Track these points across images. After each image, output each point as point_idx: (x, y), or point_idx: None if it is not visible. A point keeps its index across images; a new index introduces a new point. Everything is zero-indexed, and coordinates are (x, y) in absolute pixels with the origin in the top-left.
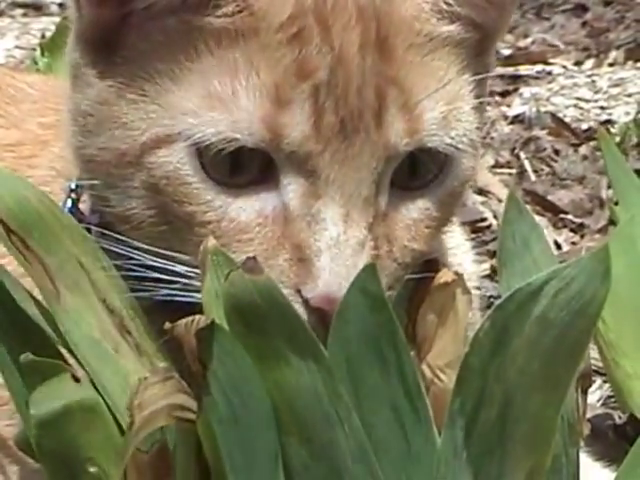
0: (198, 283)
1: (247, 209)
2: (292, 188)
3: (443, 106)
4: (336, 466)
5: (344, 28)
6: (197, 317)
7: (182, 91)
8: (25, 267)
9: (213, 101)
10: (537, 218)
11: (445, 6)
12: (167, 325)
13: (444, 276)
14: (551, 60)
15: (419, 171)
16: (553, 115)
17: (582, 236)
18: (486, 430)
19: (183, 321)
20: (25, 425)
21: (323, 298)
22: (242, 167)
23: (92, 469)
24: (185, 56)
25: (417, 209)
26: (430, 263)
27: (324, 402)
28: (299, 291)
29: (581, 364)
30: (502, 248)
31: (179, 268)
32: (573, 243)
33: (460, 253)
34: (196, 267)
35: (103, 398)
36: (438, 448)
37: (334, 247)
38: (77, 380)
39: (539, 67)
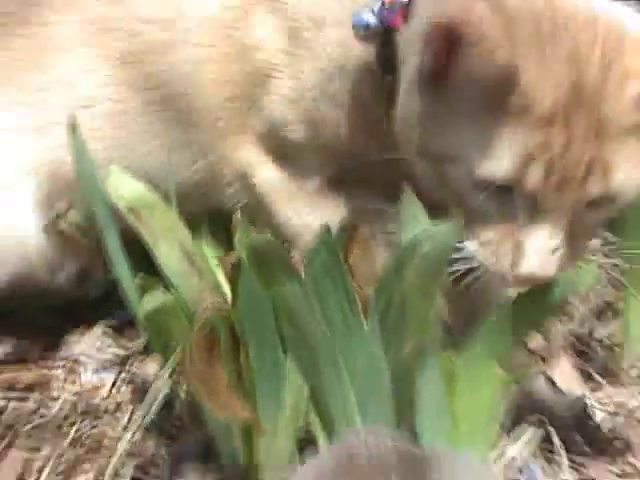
0: None
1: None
2: (522, 210)
3: (627, 172)
4: (310, 339)
5: (577, 114)
6: (233, 254)
7: (466, 136)
8: (145, 229)
9: (489, 150)
10: None
11: None
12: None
13: (363, 233)
14: None
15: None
16: None
17: None
18: (392, 319)
19: (226, 257)
20: (137, 315)
21: (522, 274)
22: (495, 191)
23: (173, 343)
24: (477, 117)
25: (592, 220)
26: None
27: (303, 306)
28: (514, 264)
29: (440, 281)
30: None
31: None
32: None
33: None
34: None
35: (179, 300)
36: (365, 330)
37: (538, 250)
38: (166, 290)
39: None
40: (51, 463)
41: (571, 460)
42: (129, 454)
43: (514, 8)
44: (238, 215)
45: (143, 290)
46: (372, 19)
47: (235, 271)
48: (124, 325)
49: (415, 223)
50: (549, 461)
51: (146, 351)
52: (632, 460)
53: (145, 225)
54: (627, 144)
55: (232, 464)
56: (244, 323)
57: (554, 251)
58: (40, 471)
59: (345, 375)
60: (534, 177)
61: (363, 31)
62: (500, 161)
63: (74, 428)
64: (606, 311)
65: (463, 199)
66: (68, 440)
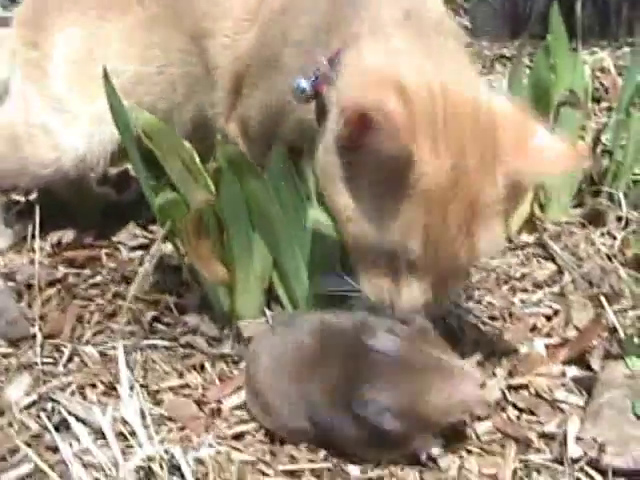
0: None
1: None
2: (404, 266)
3: (489, 246)
4: (271, 221)
5: (457, 198)
6: (215, 163)
7: (365, 201)
8: (156, 148)
9: (380, 219)
10: None
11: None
12: (207, 165)
13: None
14: None
15: None
16: None
17: None
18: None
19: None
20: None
21: (398, 315)
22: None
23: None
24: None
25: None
26: None
27: (266, 198)
28: (391, 306)
29: None
30: None
31: None
32: None
33: None
34: None
35: (181, 197)
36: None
37: (409, 300)
38: (173, 190)
39: None
40: (97, 312)
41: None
42: (149, 304)
43: (418, 102)
44: (219, 137)
45: (156, 192)
46: (306, 85)
47: (217, 175)
48: (149, 220)
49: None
50: None
51: (165, 238)
52: (490, 299)
53: (156, 145)
54: (494, 223)
55: (220, 312)
56: (224, 211)
57: (422, 295)
58: (90, 317)
59: (296, 248)
60: (413, 249)
61: (300, 94)
62: (388, 231)
63: (113, 289)
64: None
65: (361, 254)
66: (109, 296)
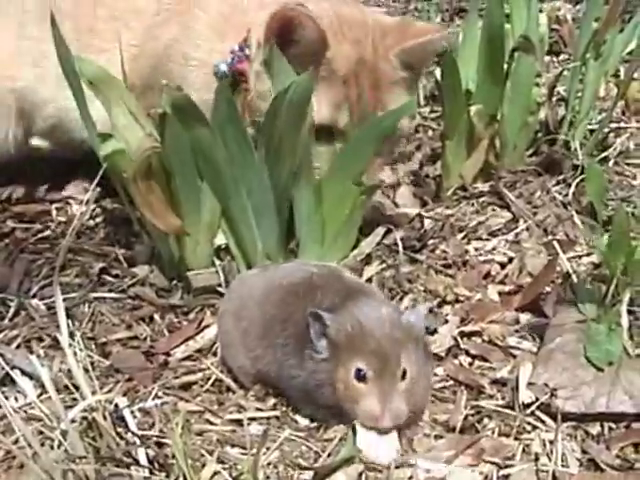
0: None
1: None
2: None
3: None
4: (218, 169)
5: (362, 76)
6: (159, 108)
7: None
8: (102, 97)
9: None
10: None
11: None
12: (152, 112)
13: None
14: None
15: None
16: None
17: None
18: (272, 151)
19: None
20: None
21: None
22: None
23: (125, 175)
24: None
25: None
26: None
27: (212, 145)
28: None
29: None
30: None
31: None
32: None
33: None
34: None
35: (127, 145)
36: (255, 160)
37: None
38: (120, 141)
39: None
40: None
41: (405, 253)
42: (98, 256)
43: (318, 12)
44: (164, 82)
45: (103, 140)
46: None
47: (162, 121)
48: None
49: (283, 76)
50: (390, 252)
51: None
52: (444, 248)
53: (102, 94)
54: (395, 92)
55: (169, 263)
56: (171, 159)
57: None
58: (39, 271)
59: (244, 194)
60: (343, 119)
61: (221, 77)
62: (320, 109)
63: (63, 242)
64: (432, 155)
65: None
66: (57, 250)
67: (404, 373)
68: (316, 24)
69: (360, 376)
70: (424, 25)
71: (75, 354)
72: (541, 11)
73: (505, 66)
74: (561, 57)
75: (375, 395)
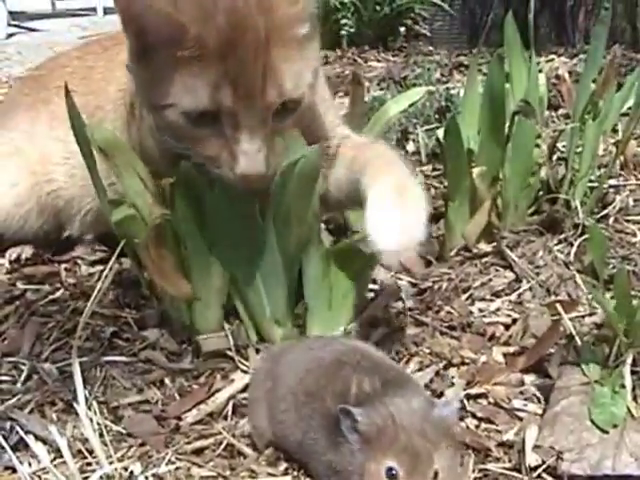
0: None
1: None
2: (227, 127)
3: (294, 79)
4: (226, 239)
5: (243, 42)
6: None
7: (172, 84)
8: (112, 163)
9: (187, 89)
10: None
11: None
12: (163, 181)
13: None
14: None
15: (286, 107)
16: None
17: None
18: (283, 217)
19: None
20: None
21: (240, 175)
22: (204, 119)
23: (136, 241)
24: (174, 68)
25: (285, 124)
26: None
27: (221, 216)
28: (232, 169)
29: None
30: None
31: None
32: None
33: None
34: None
35: (138, 212)
36: (263, 229)
37: (244, 152)
38: (130, 207)
39: None
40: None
41: (411, 315)
42: (108, 320)
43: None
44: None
45: (114, 207)
46: None
47: (171, 190)
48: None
49: (293, 150)
50: (396, 315)
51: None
52: (449, 309)
53: (112, 160)
54: (290, 55)
55: (179, 327)
56: (180, 226)
57: (258, 152)
58: (50, 334)
59: (252, 261)
60: (226, 98)
61: None
62: (196, 94)
63: (73, 305)
64: (435, 215)
65: (184, 135)
66: (68, 312)
67: (436, 474)
68: (157, 9)
69: (391, 475)
70: None
71: (91, 420)
72: (540, 71)
73: (506, 128)
74: (560, 112)
75: None
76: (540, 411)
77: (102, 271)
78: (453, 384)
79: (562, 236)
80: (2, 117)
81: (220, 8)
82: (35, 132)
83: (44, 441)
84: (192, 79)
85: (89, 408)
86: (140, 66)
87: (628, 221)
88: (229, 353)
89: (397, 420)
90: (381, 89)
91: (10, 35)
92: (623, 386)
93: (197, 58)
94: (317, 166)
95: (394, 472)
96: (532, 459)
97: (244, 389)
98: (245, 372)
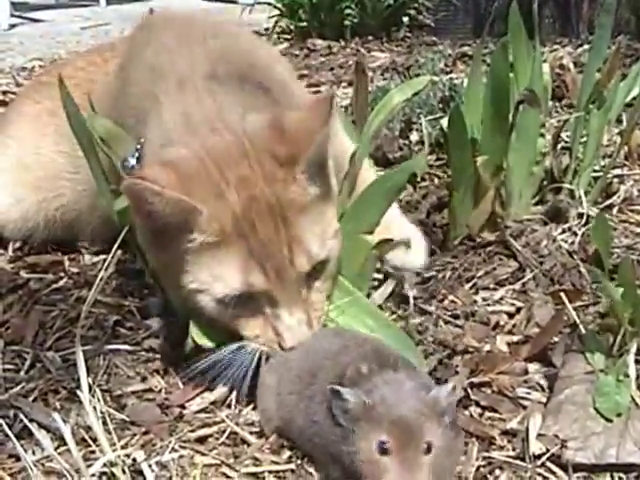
0: None
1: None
2: (265, 304)
3: (319, 241)
4: None
5: (260, 216)
6: None
7: (197, 271)
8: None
9: (215, 278)
10: None
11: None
12: None
13: None
14: None
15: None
16: None
17: None
18: None
19: None
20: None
21: (289, 349)
22: (239, 301)
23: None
24: (196, 254)
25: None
26: None
27: None
28: (279, 344)
29: None
30: None
31: None
32: None
33: None
34: None
35: None
36: None
37: (289, 328)
38: None
39: None
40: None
41: (415, 304)
42: (112, 309)
43: (183, 164)
44: None
45: (116, 196)
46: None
47: None
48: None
49: None
50: (400, 303)
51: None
52: (453, 298)
53: (112, 151)
54: (308, 219)
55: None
56: None
57: (300, 324)
58: (54, 323)
59: None
60: (257, 278)
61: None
62: (226, 281)
63: (76, 294)
64: (439, 204)
65: (220, 318)
66: (71, 301)
67: (429, 447)
68: (168, 196)
69: (383, 449)
70: (299, 114)
71: (94, 408)
72: (544, 61)
73: (510, 117)
74: (564, 102)
75: (397, 468)
76: (544, 400)
77: (105, 260)
78: (457, 373)
79: (566, 225)
80: (8, 125)
81: (231, 184)
82: (41, 146)
83: (48, 429)
84: (218, 266)
85: (92, 396)
86: (156, 248)
87: (632, 211)
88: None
89: (387, 397)
90: (384, 79)
91: (13, 26)
92: (627, 375)
93: (218, 242)
94: None
95: (385, 446)
96: (536, 447)
97: None
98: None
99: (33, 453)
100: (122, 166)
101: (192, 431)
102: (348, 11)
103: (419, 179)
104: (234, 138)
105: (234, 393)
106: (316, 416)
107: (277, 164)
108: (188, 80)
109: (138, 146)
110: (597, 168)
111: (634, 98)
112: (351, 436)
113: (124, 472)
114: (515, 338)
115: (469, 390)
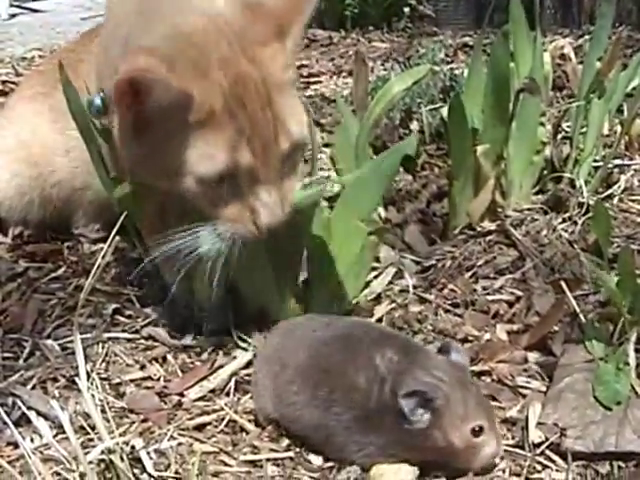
0: None
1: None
2: (244, 184)
3: (298, 123)
4: None
5: (247, 95)
6: None
7: (182, 153)
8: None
9: (202, 157)
10: None
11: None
12: None
13: None
14: None
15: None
16: None
17: None
18: None
19: None
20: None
21: (264, 229)
22: (220, 181)
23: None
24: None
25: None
26: None
27: None
28: (254, 223)
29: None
30: None
31: None
32: None
33: None
34: None
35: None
36: None
37: (265, 205)
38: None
39: None
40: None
41: (414, 292)
42: (111, 297)
43: (166, 49)
44: None
45: (116, 183)
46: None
47: None
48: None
49: None
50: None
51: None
52: (452, 287)
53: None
54: (288, 100)
55: (182, 303)
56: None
57: (277, 202)
58: (52, 311)
59: None
60: (244, 155)
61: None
62: (213, 159)
63: (75, 282)
64: (439, 193)
65: (198, 200)
66: (70, 290)
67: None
68: (168, 84)
69: (477, 432)
70: None
71: (92, 396)
72: (545, 50)
73: (511, 106)
74: (565, 92)
75: (493, 441)
76: (544, 388)
77: (108, 247)
78: None
79: (566, 215)
80: (6, 109)
81: (213, 62)
82: (37, 124)
83: (46, 417)
84: (205, 145)
85: (91, 384)
86: (138, 141)
87: (633, 200)
88: (231, 330)
89: (454, 384)
90: (385, 69)
91: (12, 15)
92: (627, 363)
93: (206, 121)
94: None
95: (481, 428)
96: (535, 436)
97: (246, 366)
98: (246, 349)
99: (32, 441)
100: (89, 108)
101: (191, 419)
102: (349, 1)
103: (419, 168)
104: (207, 20)
105: (233, 380)
106: (340, 409)
107: (260, 42)
108: None
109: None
110: (597, 158)
111: (634, 88)
112: (432, 432)
113: (122, 460)
114: (515, 327)
115: None
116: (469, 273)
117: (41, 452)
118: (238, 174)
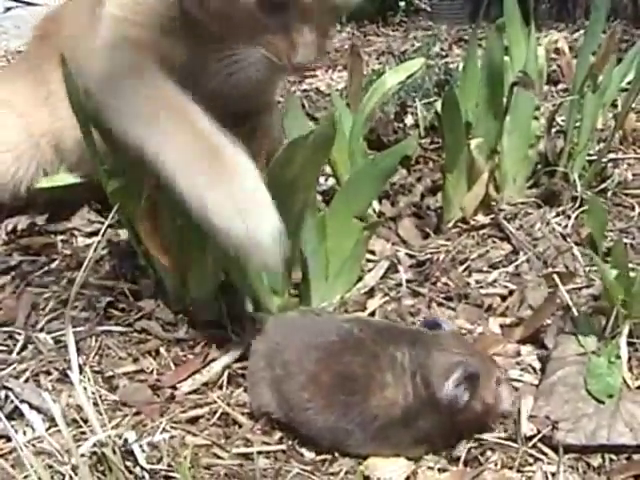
0: None
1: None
2: (292, 19)
3: None
4: None
5: None
6: None
7: None
8: None
9: None
10: None
11: None
12: None
13: None
14: None
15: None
16: None
17: None
18: (286, 186)
19: None
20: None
21: (297, 63)
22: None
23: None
24: None
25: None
26: None
27: None
28: (289, 57)
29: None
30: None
31: None
32: None
33: None
34: None
35: (133, 183)
36: None
37: (304, 44)
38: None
39: None
40: (52, 299)
41: (408, 286)
42: (104, 290)
43: None
44: None
45: (110, 176)
46: None
47: None
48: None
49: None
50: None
51: (119, 224)
52: (446, 281)
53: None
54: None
55: (175, 296)
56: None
57: (314, 43)
58: (46, 304)
59: None
60: None
61: None
62: None
63: (68, 275)
64: (433, 187)
65: (253, 29)
66: (64, 283)
67: None
68: None
69: (497, 382)
70: None
71: (85, 389)
72: (540, 44)
73: (505, 100)
74: (559, 87)
75: (504, 383)
76: (536, 381)
77: (99, 242)
78: None
79: (560, 209)
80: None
81: None
82: (19, 83)
83: (39, 410)
84: None
85: (84, 377)
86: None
87: (627, 195)
88: (224, 323)
89: (467, 349)
90: (380, 63)
91: (8, 9)
92: (619, 357)
93: None
94: (332, 136)
95: (497, 378)
96: (527, 429)
97: (239, 359)
98: (240, 343)
99: (24, 434)
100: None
101: (183, 412)
102: None
103: (413, 162)
104: None
105: (226, 373)
106: (360, 416)
107: None
108: None
109: None
110: (591, 152)
111: (629, 82)
112: (471, 402)
113: (115, 452)
114: (508, 320)
115: None
116: (462, 267)
117: (33, 445)
118: (288, 6)
